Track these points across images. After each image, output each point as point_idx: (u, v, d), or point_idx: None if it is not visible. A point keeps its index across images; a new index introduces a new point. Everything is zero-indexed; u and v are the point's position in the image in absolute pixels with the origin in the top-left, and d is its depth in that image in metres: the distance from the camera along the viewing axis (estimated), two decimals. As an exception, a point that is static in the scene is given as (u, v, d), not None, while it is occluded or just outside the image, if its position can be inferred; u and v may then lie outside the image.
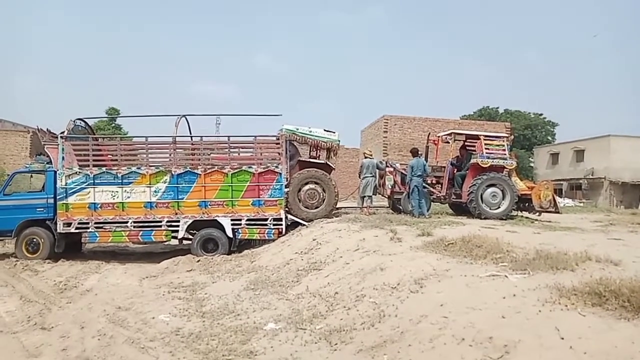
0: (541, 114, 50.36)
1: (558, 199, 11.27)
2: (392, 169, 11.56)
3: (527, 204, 11.13)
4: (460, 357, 3.53)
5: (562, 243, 6.66)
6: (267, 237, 10.44)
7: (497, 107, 50.03)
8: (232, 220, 10.40)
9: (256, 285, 7.14)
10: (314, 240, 8.82)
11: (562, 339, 3.35)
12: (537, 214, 10.97)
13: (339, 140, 11.34)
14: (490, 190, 10.60)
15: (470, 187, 10.56)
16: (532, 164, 42.91)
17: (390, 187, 11.42)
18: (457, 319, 4.05)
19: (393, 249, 6.98)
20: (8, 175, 11.78)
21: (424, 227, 8.46)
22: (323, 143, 11.17)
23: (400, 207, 11.36)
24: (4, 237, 10.63)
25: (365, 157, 11.47)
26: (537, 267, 4.95)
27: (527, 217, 11.21)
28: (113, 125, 37.00)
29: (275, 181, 10.52)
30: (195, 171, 10.43)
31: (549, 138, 48.71)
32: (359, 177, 11.32)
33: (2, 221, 10.17)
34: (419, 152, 10.79)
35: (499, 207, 10.64)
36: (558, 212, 11.07)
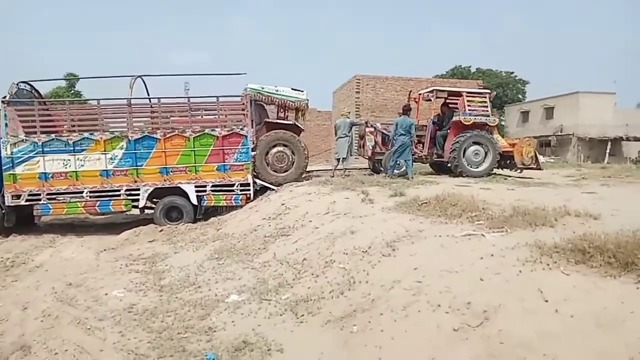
0: (512, 73, 50.48)
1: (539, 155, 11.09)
2: (372, 129, 11.07)
3: (508, 161, 10.93)
4: (436, 325, 3.21)
5: (538, 199, 6.39)
6: (234, 204, 9.94)
7: (469, 66, 49.84)
8: (196, 187, 9.83)
9: (220, 254, 6.72)
10: (282, 205, 8.39)
11: (546, 301, 3.05)
12: (519, 170, 10.81)
13: (308, 100, 10.73)
14: (472, 148, 10.32)
15: (452, 146, 10.24)
16: (503, 122, 43.20)
17: (371, 147, 10.96)
18: (432, 284, 3.72)
19: (364, 211, 6.61)
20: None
21: (396, 188, 8.11)
22: (291, 103, 10.55)
23: (382, 169, 10.98)
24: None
25: (342, 116, 10.89)
26: (515, 224, 4.65)
27: (499, 174, 11.02)
28: (72, 92, 35.06)
29: (240, 144, 9.93)
30: (154, 136, 9.72)
31: (520, 96, 49.01)
32: (335, 138, 10.83)
33: (-58, 196, 9.33)
34: (409, 110, 10.18)
35: (481, 165, 10.39)
36: (540, 169, 10.95)
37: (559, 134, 37.02)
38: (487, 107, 10.58)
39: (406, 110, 9.97)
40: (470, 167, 10.39)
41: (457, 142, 10.22)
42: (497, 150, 10.47)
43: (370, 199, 7.30)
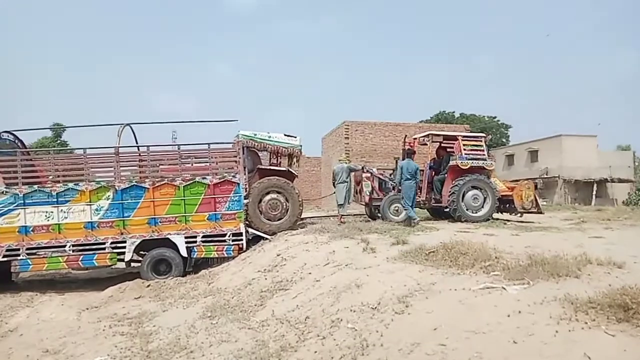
0: (495, 117, 51.73)
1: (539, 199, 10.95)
2: (369, 174, 10.85)
3: (507, 205, 10.75)
4: (469, 399, 2.80)
5: (547, 245, 6.13)
6: (226, 255, 9.46)
7: (453, 112, 50.96)
8: (186, 237, 9.37)
9: (214, 312, 6.21)
10: (278, 255, 7.97)
11: (596, 369, 2.68)
12: (519, 215, 10.61)
13: (301, 146, 10.56)
14: (471, 192, 10.15)
15: (451, 190, 10.05)
16: (489, 166, 43.65)
17: (368, 193, 10.71)
18: (458, 348, 3.32)
19: (367, 262, 6.23)
20: None
21: (397, 235, 7.81)
22: (284, 149, 10.35)
23: (379, 215, 10.68)
24: None
25: (340, 162, 10.69)
26: (536, 275, 4.32)
27: (499, 219, 10.80)
28: (59, 142, 34.64)
29: (232, 192, 9.59)
30: (143, 185, 9.34)
31: (504, 140, 49.95)
32: (333, 185, 10.57)
33: None
34: (413, 153, 10.04)
35: (480, 210, 10.17)
36: (541, 212, 10.76)
37: (545, 176, 37.43)
38: (483, 150, 10.50)
39: (410, 154, 9.82)
40: (470, 212, 10.16)
41: (456, 186, 10.03)
42: (496, 194, 10.30)
43: (372, 247, 6.94)
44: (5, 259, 8.94)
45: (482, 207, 10.32)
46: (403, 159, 11.48)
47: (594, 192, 34.68)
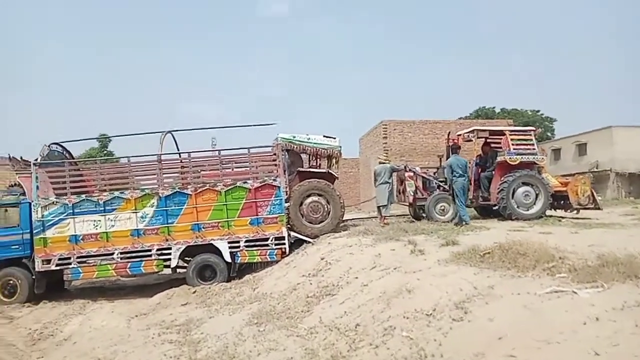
0: (538, 111, 49.69)
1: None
2: (412, 174, 10.50)
3: (562, 202, 10.16)
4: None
5: (613, 242, 5.64)
6: (269, 259, 9.39)
7: (494, 107, 49.33)
8: (229, 243, 9.36)
9: (260, 319, 6.09)
10: (322, 259, 7.79)
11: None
12: (575, 211, 9.99)
13: (340, 147, 10.36)
14: (522, 189, 9.65)
15: (500, 187, 9.58)
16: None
17: (412, 193, 10.36)
18: (529, 359, 3.02)
19: (417, 265, 5.95)
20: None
21: (446, 235, 7.46)
22: (323, 150, 10.18)
23: (424, 215, 10.32)
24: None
25: (380, 163, 10.40)
26: (609, 276, 3.93)
27: (551, 216, 10.20)
28: (105, 152, 35.95)
29: (274, 196, 9.51)
30: (185, 191, 9.41)
31: (549, 134, 47.90)
32: (375, 185, 10.32)
33: (-28, 263, 9.13)
34: (459, 148, 9.63)
35: (532, 207, 9.66)
36: (599, 208, 10.10)
37: (595, 170, 35.55)
38: (533, 144, 9.95)
39: (455, 150, 9.42)
40: (521, 209, 9.65)
41: (505, 182, 9.56)
42: (549, 190, 9.74)
43: (420, 249, 6.63)
44: (58, 267, 9.20)
45: (534, 204, 9.79)
46: (447, 157, 11.11)
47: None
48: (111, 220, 9.35)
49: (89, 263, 9.33)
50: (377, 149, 23.37)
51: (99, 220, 9.33)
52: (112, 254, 9.29)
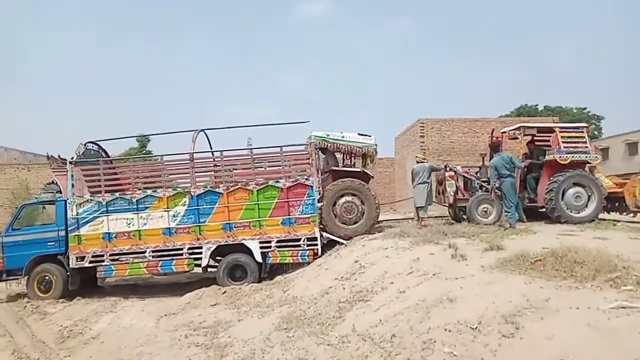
0: (584, 108, 47.37)
1: None
2: (452, 173, 9.95)
3: (617, 204, 9.40)
4: None
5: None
6: (301, 260, 9.09)
7: (536, 105, 47.36)
8: (260, 243, 9.13)
9: (289, 324, 5.80)
10: (356, 262, 7.43)
11: None
12: (632, 214, 9.21)
13: (376, 145, 9.93)
14: (572, 190, 8.95)
15: (549, 187, 8.93)
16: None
17: (452, 193, 9.81)
18: (599, 389, 2.57)
19: (459, 271, 5.50)
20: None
21: (489, 239, 6.95)
22: (358, 149, 9.79)
23: (464, 217, 9.78)
24: (15, 277, 9.70)
25: (418, 162, 9.92)
26: (688, 291, 3.39)
27: (604, 219, 9.42)
28: (144, 152, 36.75)
29: (306, 195, 9.20)
30: (217, 190, 9.25)
31: (596, 133, 45.54)
32: (412, 185, 9.86)
33: (11, 259, 9.32)
34: (500, 147, 9.13)
35: (584, 210, 8.96)
36: None
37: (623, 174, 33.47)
38: (585, 142, 9.21)
39: (497, 148, 8.83)
40: (571, 212, 8.96)
41: (554, 182, 8.88)
42: (603, 191, 9.00)
43: (462, 254, 6.17)
44: (91, 264, 9.24)
45: (586, 206, 9.05)
46: (490, 156, 10.49)
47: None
48: (144, 219, 9.30)
49: (121, 261, 9.32)
50: (414, 148, 22.73)
51: (132, 219, 9.31)
52: (144, 252, 9.24)
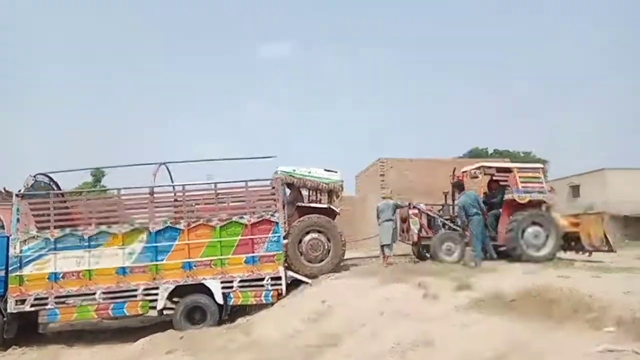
0: (530, 152, 49.97)
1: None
2: (416, 211, 9.99)
3: (573, 243, 9.70)
4: None
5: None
6: (264, 301, 8.67)
7: (486, 148, 49.52)
8: (222, 282, 8.67)
9: (255, 371, 5.42)
10: (323, 302, 7.17)
11: None
12: (588, 254, 9.50)
13: (342, 181, 9.89)
14: (531, 229, 9.18)
15: (509, 226, 9.12)
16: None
17: (416, 231, 9.80)
18: None
19: (433, 312, 5.38)
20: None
21: (458, 278, 6.92)
22: (324, 185, 9.68)
23: (428, 255, 9.78)
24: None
25: (384, 199, 9.90)
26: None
27: (562, 258, 9.69)
28: (98, 187, 35.09)
29: (271, 232, 8.91)
30: (177, 226, 8.80)
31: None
32: (378, 223, 9.79)
33: (-60, 303, 8.33)
34: (462, 187, 9.27)
35: (543, 248, 9.18)
36: (613, 251, 9.62)
37: (590, 212, 35.36)
38: (542, 183, 9.58)
39: (460, 187, 8.99)
40: (531, 250, 9.16)
41: (514, 222, 9.11)
42: (560, 231, 9.29)
43: (433, 294, 6.08)
44: (33, 308, 8.42)
45: (545, 245, 9.31)
46: (453, 194, 10.68)
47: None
48: (95, 257, 8.64)
49: (67, 304, 8.54)
50: (374, 186, 23.00)
51: (83, 257, 8.62)
52: (94, 293, 8.54)
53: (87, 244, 8.65)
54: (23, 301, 8.36)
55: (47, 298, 8.41)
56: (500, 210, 9.58)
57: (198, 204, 9.34)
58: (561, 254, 9.94)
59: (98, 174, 32.02)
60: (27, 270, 8.47)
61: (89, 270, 8.56)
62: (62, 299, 8.49)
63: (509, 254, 9.35)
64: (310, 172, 9.62)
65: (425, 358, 4.16)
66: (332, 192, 9.97)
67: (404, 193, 21.83)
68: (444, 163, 23.35)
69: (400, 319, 5.46)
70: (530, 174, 9.66)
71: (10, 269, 8.45)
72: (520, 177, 9.49)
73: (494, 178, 10.21)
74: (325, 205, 9.77)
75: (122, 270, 8.59)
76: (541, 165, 9.96)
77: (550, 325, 4.17)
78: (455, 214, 10.22)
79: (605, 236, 9.56)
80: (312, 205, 9.84)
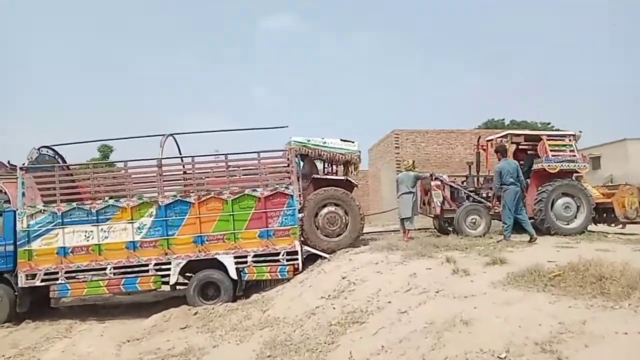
0: (549, 123, 48.67)
1: None
2: (439, 183, 9.44)
3: (605, 215, 9.16)
4: None
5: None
6: (279, 277, 8.34)
7: (503, 119, 48.35)
8: (235, 257, 8.34)
9: (274, 351, 5.10)
10: (343, 278, 6.77)
11: None
12: (621, 226, 8.98)
13: (360, 151, 9.38)
14: (561, 200, 8.65)
15: (538, 197, 8.58)
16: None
17: (439, 204, 9.28)
18: None
19: (466, 288, 4.93)
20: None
21: (486, 252, 6.47)
22: (340, 155, 9.20)
23: (450, 229, 9.30)
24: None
25: (406, 170, 9.35)
26: None
27: (593, 231, 9.15)
28: (106, 162, 34.95)
29: (286, 205, 8.50)
30: (187, 200, 8.43)
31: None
32: (397, 195, 9.29)
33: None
34: (506, 152, 8.42)
35: (573, 221, 8.66)
36: None
37: (610, 184, 34.44)
38: (574, 151, 8.95)
39: (504, 153, 8.27)
40: (560, 223, 8.65)
41: (544, 193, 8.56)
42: (592, 202, 8.73)
43: (463, 269, 5.62)
44: (43, 283, 8.20)
45: (575, 217, 8.79)
46: (477, 165, 10.12)
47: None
48: (104, 232, 8.35)
49: (78, 279, 8.34)
50: (388, 159, 22.44)
51: (91, 231, 8.34)
52: (105, 268, 8.28)
53: (95, 218, 8.35)
54: (34, 276, 8.16)
55: (57, 273, 8.20)
56: (528, 181, 9.02)
57: (208, 177, 8.93)
58: (591, 227, 9.43)
59: (106, 150, 31.78)
60: (35, 245, 8.23)
61: (99, 245, 8.29)
62: (73, 274, 8.29)
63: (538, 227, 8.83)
64: (325, 142, 9.13)
65: (464, 339, 3.73)
66: (348, 164, 9.49)
67: (420, 165, 21.23)
68: (461, 134, 22.68)
69: (429, 297, 5.04)
70: (560, 142, 9.04)
71: (18, 243, 8.23)
72: (550, 145, 8.88)
73: (521, 147, 9.59)
74: (342, 177, 9.30)
75: (132, 245, 8.30)
76: (572, 133, 9.29)
77: (604, 303, 3.70)
78: (481, 184, 9.70)
79: None
80: (329, 177, 9.37)
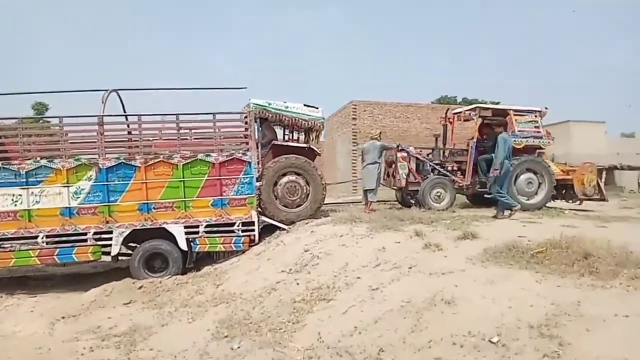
0: (498, 102, 50.00)
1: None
2: (405, 154, 9.10)
3: (564, 192, 9.25)
4: None
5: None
6: (234, 249, 7.79)
7: (455, 97, 49.18)
8: (185, 227, 7.67)
9: (231, 330, 4.59)
10: (306, 251, 6.33)
11: None
12: (578, 202, 9.10)
13: (324, 118, 8.84)
14: (524, 176, 8.63)
15: None
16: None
17: (404, 176, 8.95)
18: None
19: (441, 264, 4.62)
20: None
21: (454, 226, 6.23)
22: (303, 122, 8.60)
23: (412, 202, 9.04)
24: None
25: (372, 139, 8.92)
26: None
27: (551, 207, 9.24)
28: (42, 121, 32.29)
29: (242, 173, 7.87)
30: (132, 163, 7.59)
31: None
32: (362, 165, 8.88)
33: None
34: (505, 126, 8.11)
35: (534, 197, 8.68)
36: (604, 200, 9.26)
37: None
38: (539, 127, 8.91)
39: (505, 125, 7.99)
40: (522, 198, 8.62)
41: None
42: (553, 179, 8.78)
43: (435, 243, 5.33)
44: (-38, 253, 7.19)
45: (536, 193, 8.81)
46: (444, 137, 9.90)
47: (603, 180, 33.41)
48: (35, 196, 7.38)
49: (4, 248, 7.37)
50: (345, 130, 22.06)
51: (20, 195, 7.34)
52: (36, 237, 7.36)
53: (24, 180, 7.34)
54: (-51, 246, 7.10)
55: (-22, 241, 7.18)
56: (493, 155, 8.88)
57: (156, 139, 8.09)
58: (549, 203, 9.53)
59: (40, 109, 29.20)
60: (-48, 210, 7.14)
61: (28, 211, 7.32)
62: (-3, 243, 7.29)
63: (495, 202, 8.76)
64: (287, 107, 8.49)
65: (448, 321, 3.40)
66: (311, 131, 8.93)
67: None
68: (418, 107, 22.59)
69: (403, 273, 4.69)
70: (527, 118, 8.96)
71: None
72: (517, 120, 8.78)
73: (486, 122, 9.42)
74: (304, 145, 8.75)
75: (68, 212, 7.40)
76: (539, 109, 9.21)
77: (594, 282, 3.48)
78: (447, 158, 9.48)
79: (598, 185, 9.16)
80: (290, 144, 8.79)
